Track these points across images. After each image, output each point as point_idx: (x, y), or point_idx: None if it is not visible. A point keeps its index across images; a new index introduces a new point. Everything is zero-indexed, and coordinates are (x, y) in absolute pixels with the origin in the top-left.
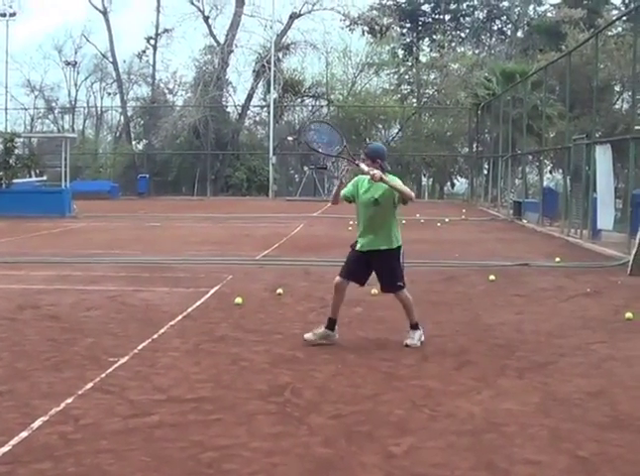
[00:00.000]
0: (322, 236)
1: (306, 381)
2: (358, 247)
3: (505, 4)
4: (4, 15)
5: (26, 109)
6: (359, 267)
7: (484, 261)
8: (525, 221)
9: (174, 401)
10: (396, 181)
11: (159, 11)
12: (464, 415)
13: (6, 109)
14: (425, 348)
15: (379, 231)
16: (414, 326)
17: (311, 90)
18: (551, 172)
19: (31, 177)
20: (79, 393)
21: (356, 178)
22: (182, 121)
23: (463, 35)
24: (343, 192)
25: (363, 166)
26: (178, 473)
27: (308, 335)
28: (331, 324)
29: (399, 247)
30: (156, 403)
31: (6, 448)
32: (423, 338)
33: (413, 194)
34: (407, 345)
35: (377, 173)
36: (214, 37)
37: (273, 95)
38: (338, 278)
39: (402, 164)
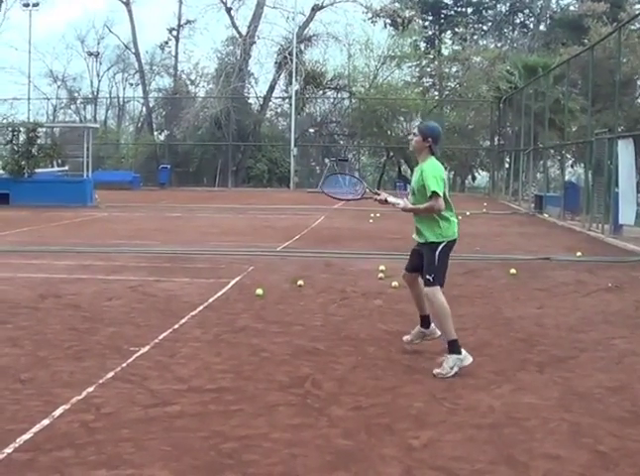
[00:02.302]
0: (343, 228)
1: (326, 373)
2: (413, 236)
3: None
4: (27, 5)
5: (48, 99)
6: (415, 257)
7: (505, 255)
8: (546, 215)
9: (195, 391)
10: (429, 181)
11: (181, 2)
12: (484, 408)
13: (29, 99)
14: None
15: (419, 224)
16: (449, 346)
17: (333, 82)
18: (572, 166)
19: (53, 166)
20: (100, 382)
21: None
22: (204, 112)
23: (485, 28)
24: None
25: (391, 198)
26: (199, 463)
27: (406, 337)
28: (423, 321)
29: (442, 241)
30: (176, 392)
31: (28, 436)
32: (466, 364)
33: (435, 204)
34: (435, 375)
35: (402, 206)
36: (236, 28)
37: (295, 87)
38: (403, 271)
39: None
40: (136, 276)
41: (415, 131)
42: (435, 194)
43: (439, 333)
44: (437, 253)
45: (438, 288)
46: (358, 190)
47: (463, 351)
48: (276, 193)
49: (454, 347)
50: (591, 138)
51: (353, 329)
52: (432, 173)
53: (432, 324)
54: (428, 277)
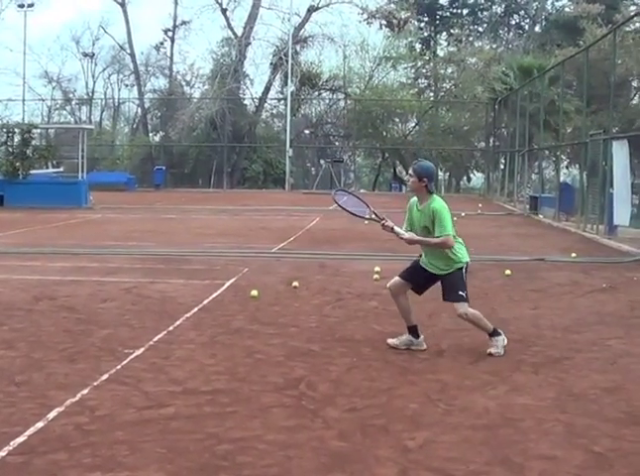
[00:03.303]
0: (338, 230)
1: (321, 374)
2: (421, 261)
3: None
4: (22, 6)
5: (43, 100)
6: (419, 273)
7: (500, 255)
8: (541, 216)
9: (190, 393)
10: (445, 223)
11: (176, 3)
12: (479, 409)
13: (24, 100)
14: (441, 342)
15: (437, 256)
16: (493, 334)
17: (328, 83)
18: (567, 167)
19: (48, 168)
20: (95, 384)
21: (409, 203)
22: (199, 113)
23: (480, 29)
24: (405, 226)
25: (397, 229)
26: (193, 465)
27: (391, 340)
28: (411, 330)
29: (461, 267)
30: (171, 394)
31: (22, 438)
32: (506, 341)
33: (447, 241)
34: (490, 354)
35: (408, 237)
36: (232, 29)
37: (291, 88)
38: (396, 278)
39: (419, 157)
40: (130, 277)
41: (411, 172)
42: (448, 235)
43: (425, 346)
44: (463, 273)
45: (467, 304)
46: (365, 212)
47: (501, 332)
48: (272, 195)
49: (495, 332)
50: (586, 139)
51: (348, 331)
52: (446, 214)
53: (421, 336)
54: (461, 293)
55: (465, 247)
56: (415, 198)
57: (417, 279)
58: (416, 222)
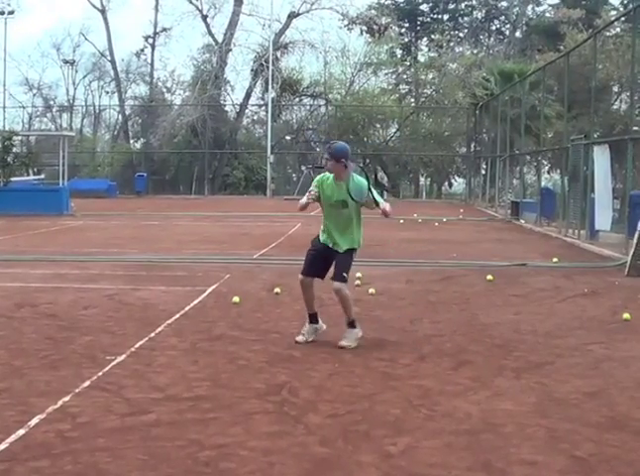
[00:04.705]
0: None
1: (303, 380)
2: (322, 239)
3: (504, 4)
4: (2, 13)
5: (24, 107)
6: (319, 262)
7: (482, 261)
8: (523, 221)
9: (172, 399)
10: (371, 191)
11: (157, 10)
12: (461, 414)
13: (4, 107)
14: (422, 348)
15: (344, 232)
16: (351, 324)
17: (309, 89)
18: (549, 172)
19: (29, 175)
20: (76, 391)
21: (318, 178)
22: (180, 120)
23: (461, 34)
24: (311, 197)
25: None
26: (175, 472)
27: (299, 337)
28: (313, 318)
29: (355, 248)
30: (153, 401)
31: (3, 446)
32: (360, 334)
33: (383, 207)
34: (342, 347)
35: (388, 208)
36: (212, 36)
37: (272, 94)
38: (300, 276)
39: (400, 163)
40: (112, 284)
41: (327, 156)
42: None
43: (325, 326)
44: (353, 256)
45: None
46: None
47: (357, 325)
48: (253, 201)
49: (355, 323)
50: (567, 144)
51: (329, 336)
52: (370, 186)
53: (320, 320)
54: (345, 275)
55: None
56: (326, 175)
57: (317, 268)
58: (332, 196)
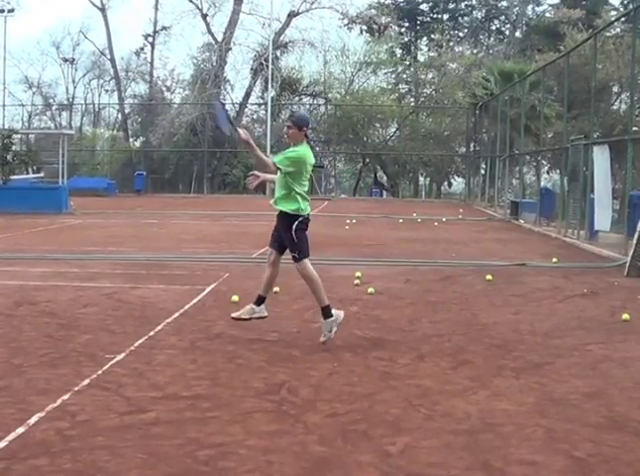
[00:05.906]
0: (318, 235)
1: (302, 379)
2: (270, 202)
3: (504, 4)
4: (2, 11)
5: (23, 106)
6: (276, 234)
7: (481, 261)
8: (522, 221)
9: (171, 398)
10: (279, 155)
11: (157, 8)
12: (460, 414)
13: (4, 106)
14: (422, 347)
15: (278, 193)
16: (324, 311)
17: (309, 89)
18: (548, 172)
19: (28, 173)
20: (76, 389)
21: (303, 155)
22: (180, 119)
23: (461, 34)
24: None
25: (252, 142)
26: (174, 470)
27: (235, 313)
28: (260, 300)
29: (295, 218)
30: (152, 400)
31: (2, 444)
32: (340, 320)
33: (271, 165)
34: (323, 343)
35: (243, 134)
36: (212, 35)
37: (271, 93)
38: (269, 248)
39: (400, 163)
40: (111, 283)
41: (290, 124)
42: (276, 163)
43: (266, 313)
44: (292, 229)
45: (306, 261)
46: (227, 129)
47: (333, 311)
48: (252, 200)
49: (327, 312)
50: (567, 144)
51: None
52: (292, 154)
53: (262, 305)
54: (295, 254)
55: (308, 204)
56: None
57: (274, 240)
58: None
